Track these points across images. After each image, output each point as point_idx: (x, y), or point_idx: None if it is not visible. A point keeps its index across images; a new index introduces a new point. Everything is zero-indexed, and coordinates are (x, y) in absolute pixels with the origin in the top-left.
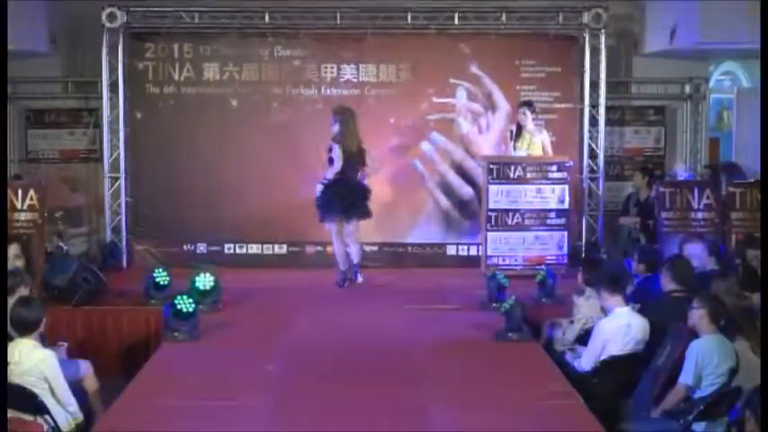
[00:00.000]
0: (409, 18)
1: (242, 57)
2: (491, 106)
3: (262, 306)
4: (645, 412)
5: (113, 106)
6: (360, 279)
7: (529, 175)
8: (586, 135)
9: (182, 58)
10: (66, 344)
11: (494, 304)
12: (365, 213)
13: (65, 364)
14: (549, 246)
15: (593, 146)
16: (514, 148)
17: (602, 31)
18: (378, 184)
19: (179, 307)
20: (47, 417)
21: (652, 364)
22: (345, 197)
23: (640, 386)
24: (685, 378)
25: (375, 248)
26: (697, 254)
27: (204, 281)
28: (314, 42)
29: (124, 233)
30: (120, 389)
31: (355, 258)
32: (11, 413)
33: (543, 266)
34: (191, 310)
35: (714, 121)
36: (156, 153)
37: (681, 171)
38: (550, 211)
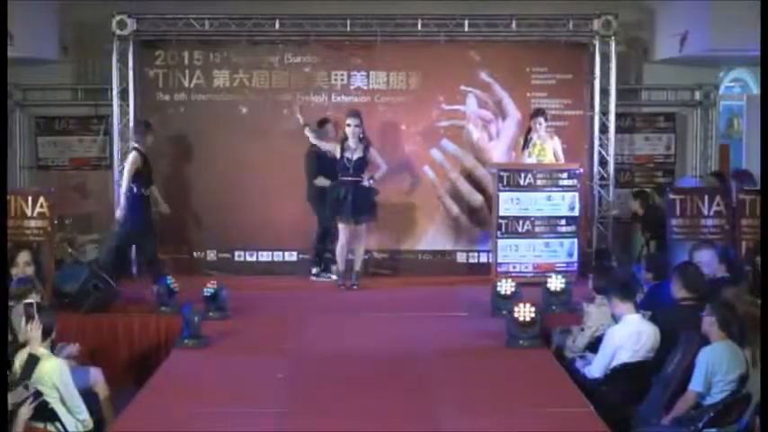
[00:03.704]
0: (419, 25)
1: (252, 64)
2: (501, 113)
3: (272, 313)
4: (655, 419)
5: (123, 113)
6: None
7: (539, 183)
8: (596, 142)
9: (192, 65)
10: (77, 345)
11: (503, 312)
12: (374, 215)
13: (75, 372)
14: (559, 253)
15: (604, 153)
16: (528, 155)
17: (613, 38)
18: (388, 191)
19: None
20: (57, 424)
21: (662, 371)
22: (356, 200)
23: (651, 393)
24: (695, 385)
25: (385, 255)
26: (707, 261)
27: (211, 288)
28: (324, 49)
29: None
30: (130, 396)
31: (357, 265)
32: None
33: (553, 273)
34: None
35: (724, 128)
36: (166, 161)
37: (686, 181)
38: (561, 218)
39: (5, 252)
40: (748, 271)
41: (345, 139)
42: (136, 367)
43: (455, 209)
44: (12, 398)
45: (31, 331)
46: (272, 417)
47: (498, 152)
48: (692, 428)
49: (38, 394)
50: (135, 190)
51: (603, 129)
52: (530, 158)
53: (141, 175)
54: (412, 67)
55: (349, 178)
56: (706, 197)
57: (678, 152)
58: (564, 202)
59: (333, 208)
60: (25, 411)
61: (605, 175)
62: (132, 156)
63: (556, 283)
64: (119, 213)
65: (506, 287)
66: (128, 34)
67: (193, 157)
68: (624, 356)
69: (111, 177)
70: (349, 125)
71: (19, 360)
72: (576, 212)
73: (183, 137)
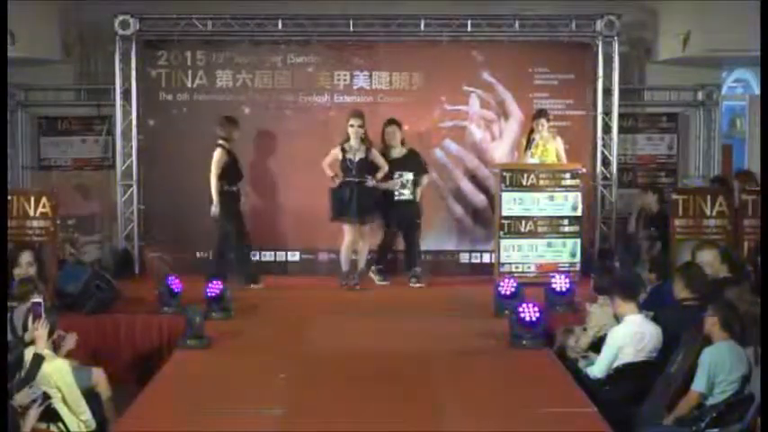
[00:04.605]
0: (422, 25)
1: (255, 64)
2: (504, 114)
3: (274, 313)
4: (657, 419)
5: (126, 114)
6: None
7: (542, 183)
8: (599, 142)
9: (194, 65)
10: (74, 334)
11: (506, 312)
12: (378, 215)
13: (77, 372)
14: (562, 253)
15: (606, 153)
16: (531, 155)
17: (615, 38)
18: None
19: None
20: (59, 424)
21: (665, 371)
22: (360, 200)
23: (653, 393)
24: (698, 385)
25: (389, 255)
26: (709, 261)
27: (215, 288)
28: (327, 50)
29: (136, 240)
30: (132, 396)
31: (361, 264)
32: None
33: (555, 273)
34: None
35: (727, 128)
36: (169, 160)
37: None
38: (563, 218)
39: (5, 254)
40: (750, 271)
41: (347, 139)
42: (138, 367)
43: (458, 209)
44: (20, 399)
45: (37, 330)
46: (273, 417)
47: (501, 152)
48: (695, 429)
49: (46, 396)
50: (221, 186)
51: (606, 129)
52: (532, 159)
53: (226, 171)
54: (414, 68)
55: (352, 179)
56: (708, 197)
57: (680, 152)
58: (567, 203)
59: (337, 209)
60: (34, 414)
61: (608, 176)
62: (217, 152)
63: (560, 282)
64: (214, 210)
65: (507, 287)
66: (130, 34)
67: (196, 158)
68: (627, 357)
69: (113, 178)
70: (352, 126)
71: (27, 358)
72: (579, 212)
73: (186, 137)
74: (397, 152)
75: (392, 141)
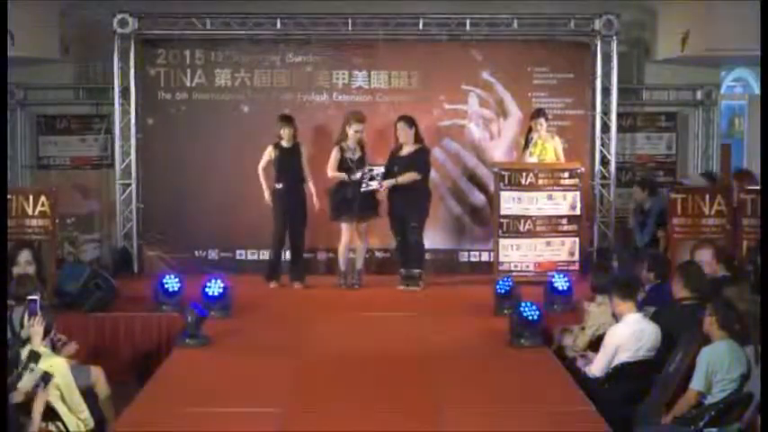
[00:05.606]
0: (421, 25)
1: (254, 63)
2: (502, 113)
3: (273, 313)
4: (656, 418)
5: (125, 112)
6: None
7: (540, 182)
8: (598, 141)
9: (193, 64)
10: (74, 343)
11: (505, 311)
12: (377, 213)
13: (76, 371)
14: (560, 252)
15: (605, 152)
16: (529, 155)
17: (614, 37)
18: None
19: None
20: (58, 423)
21: (663, 370)
22: (360, 199)
23: (651, 393)
24: (696, 384)
25: (388, 255)
26: (707, 260)
27: (214, 287)
28: (325, 49)
29: (135, 239)
30: (131, 395)
31: (359, 263)
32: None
33: (554, 273)
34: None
35: (726, 128)
36: (168, 159)
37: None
38: (562, 217)
39: (5, 253)
40: (750, 270)
41: (343, 139)
42: (138, 366)
43: (457, 208)
44: (23, 385)
45: (33, 327)
46: (272, 416)
47: (500, 151)
48: (693, 428)
49: (46, 376)
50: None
51: (605, 128)
52: (531, 158)
53: (274, 169)
54: (413, 67)
55: (352, 178)
56: (707, 196)
57: (679, 151)
58: (565, 202)
59: (338, 208)
60: (42, 397)
61: (607, 175)
62: (267, 150)
63: (559, 282)
64: (267, 199)
65: (504, 286)
66: (129, 33)
67: (194, 157)
68: (625, 356)
69: (112, 176)
70: (357, 131)
71: (23, 355)
72: (578, 212)
73: (185, 136)
74: (406, 150)
75: (401, 138)
